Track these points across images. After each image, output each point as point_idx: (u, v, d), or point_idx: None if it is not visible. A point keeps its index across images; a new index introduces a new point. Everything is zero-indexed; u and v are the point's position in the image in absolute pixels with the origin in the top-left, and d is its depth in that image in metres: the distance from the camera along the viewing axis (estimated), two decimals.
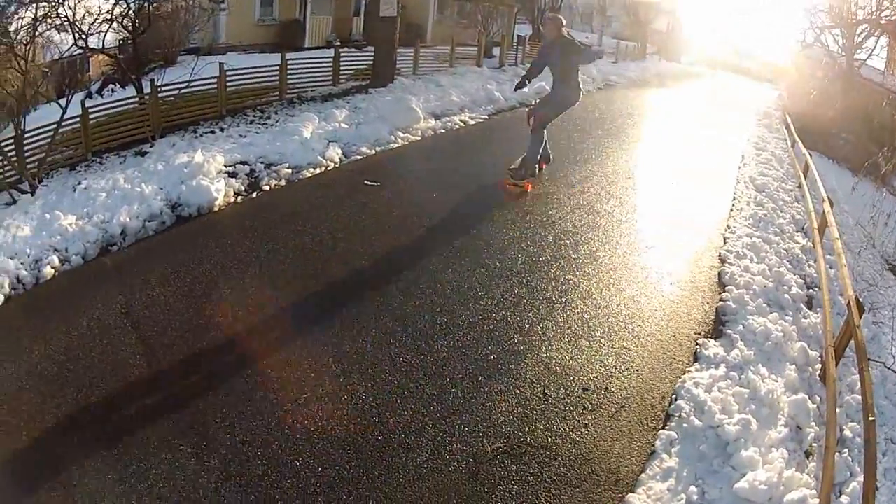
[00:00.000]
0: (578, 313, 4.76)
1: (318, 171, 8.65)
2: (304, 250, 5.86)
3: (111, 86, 15.48)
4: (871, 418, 3.35)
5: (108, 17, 12.73)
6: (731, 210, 7.72)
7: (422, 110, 11.34)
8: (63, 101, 10.03)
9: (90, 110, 10.29)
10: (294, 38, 18.05)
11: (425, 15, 22.12)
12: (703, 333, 4.70)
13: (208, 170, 7.92)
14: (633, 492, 3.40)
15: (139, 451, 3.40)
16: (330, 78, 13.87)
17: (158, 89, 10.69)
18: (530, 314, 4.69)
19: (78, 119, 9.97)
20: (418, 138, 10.47)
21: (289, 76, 12.73)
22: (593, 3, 35.70)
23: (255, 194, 7.76)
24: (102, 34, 12.83)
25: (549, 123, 7.82)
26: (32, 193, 8.88)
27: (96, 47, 12.95)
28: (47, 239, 6.57)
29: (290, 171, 8.51)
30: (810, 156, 11.19)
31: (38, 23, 10.30)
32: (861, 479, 3.40)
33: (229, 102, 11.59)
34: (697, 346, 4.49)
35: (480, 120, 12.20)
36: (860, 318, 4.39)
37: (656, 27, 35.45)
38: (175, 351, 4.35)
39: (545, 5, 26.07)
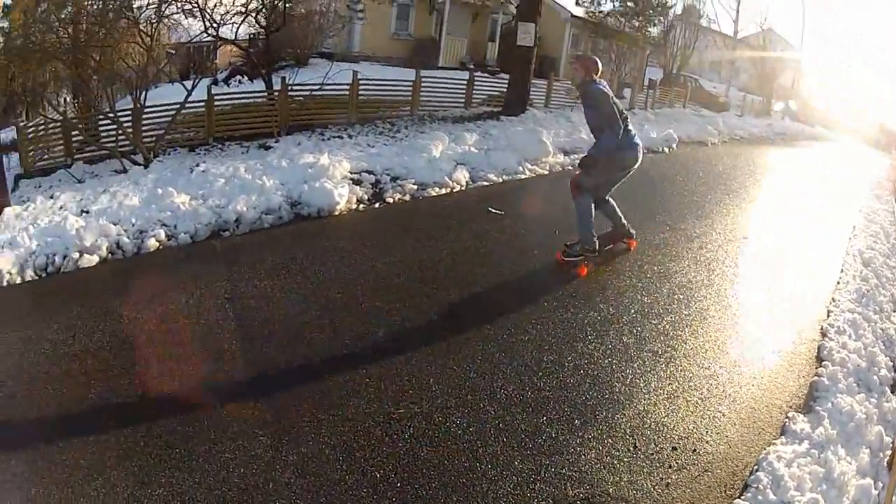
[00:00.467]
0: (681, 371, 4.67)
1: (443, 191, 8.18)
2: (420, 267, 5.66)
3: (238, 77, 15.64)
4: None
5: (243, 10, 12.80)
6: (838, 283, 7.34)
7: (551, 144, 10.71)
8: (188, 84, 10.01)
9: (216, 97, 10.26)
10: (427, 55, 17.87)
11: (559, 48, 21.79)
12: (793, 407, 4.57)
13: (333, 174, 7.56)
14: None
15: (216, 434, 3.36)
16: (462, 100, 13.52)
17: (289, 88, 10.56)
18: (635, 365, 4.59)
19: (203, 104, 9.94)
20: (545, 172, 9.94)
21: (422, 93, 12.39)
22: (722, 52, 34.45)
23: (377, 205, 7.47)
24: (236, 26, 12.85)
25: (598, 189, 5.85)
26: (146, 167, 8.82)
27: (227, 38, 12.91)
28: (156, 213, 6.48)
29: (415, 186, 8.03)
30: None
31: (165, 4, 10.26)
32: None
33: (359, 111, 11.36)
34: (787, 420, 4.36)
35: None
36: None
37: (782, 83, 33.87)
38: (273, 344, 4.26)
39: (677, 49, 25.19)
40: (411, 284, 5.31)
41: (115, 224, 6.20)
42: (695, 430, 4.00)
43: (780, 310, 6.13)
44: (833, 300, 6.77)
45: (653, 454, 3.70)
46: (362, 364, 4.07)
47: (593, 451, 3.60)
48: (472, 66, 16.67)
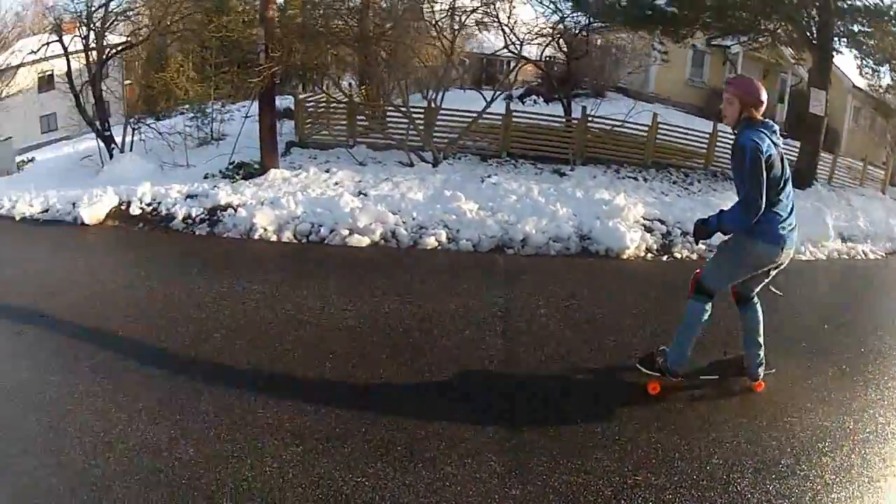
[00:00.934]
0: None
1: None
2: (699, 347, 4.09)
3: (533, 96, 15.61)
4: None
5: (549, 34, 12.76)
6: None
7: (832, 227, 8.91)
8: (484, 95, 10.10)
9: (514, 113, 10.21)
10: (718, 107, 16.47)
11: (840, 119, 19.03)
12: None
13: (626, 216, 7.03)
14: None
15: (444, 444, 3.08)
16: None
17: (589, 118, 10.24)
18: None
19: (500, 117, 9.95)
20: (823, 257, 8.22)
21: (717, 147, 11.24)
22: None
23: (665, 257, 6.76)
24: (541, 47, 12.85)
25: (732, 278, 3.84)
26: (434, 166, 8.97)
27: (529, 57, 12.85)
28: (440, 213, 6.47)
29: (703, 246, 7.03)
30: None
31: (464, 14, 10.21)
32: None
33: (655, 155, 10.65)
34: None
35: (879, 256, 9.19)
36: None
37: None
38: (531, 368, 3.92)
39: None
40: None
41: (394, 213, 6.27)
42: None
43: None
44: None
45: None
46: (608, 415, 3.45)
47: None
48: None
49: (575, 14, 13.05)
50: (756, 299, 3.87)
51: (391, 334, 4.09)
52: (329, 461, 2.86)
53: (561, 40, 13.03)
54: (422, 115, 9.86)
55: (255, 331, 4.17)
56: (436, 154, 9.24)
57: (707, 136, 11.31)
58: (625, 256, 6.39)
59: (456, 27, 10.21)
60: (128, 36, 14.91)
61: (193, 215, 7.29)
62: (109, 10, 13.46)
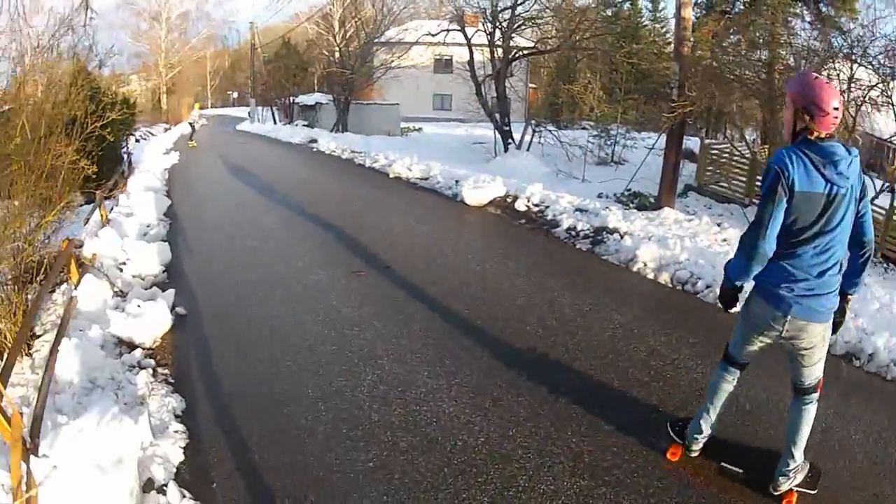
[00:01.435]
0: None
1: None
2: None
3: None
4: None
5: None
6: None
7: None
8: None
9: None
10: None
11: None
12: None
13: None
14: None
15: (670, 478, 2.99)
16: None
17: None
18: None
19: (883, 212, 8.12)
20: None
21: None
22: None
23: None
24: None
25: (741, 353, 3.00)
26: None
27: None
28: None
29: None
30: None
31: (863, 89, 8.44)
32: None
33: None
34: None
35: None
36: None
37: None
38: None
39: None
40: None
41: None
42: None
43: None
44: None
45: None
46: None
47: None
48: None
49: None
50: (808, 398, 2.88)
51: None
52: None
53: None
54: None
55: (604, 357, 4.32)
56: None
57: None
58: None
59: (859, 101, 8.86)
60: (535, 42, 16.15)
61: (578, 228, 7.60)
62: (516, 13, 14.82)
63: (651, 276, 6.15)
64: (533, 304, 5.24)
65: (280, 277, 6.23)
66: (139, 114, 18.09)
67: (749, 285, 2.80)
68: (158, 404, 3.86)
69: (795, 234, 2.57)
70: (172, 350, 4.72)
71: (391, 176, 12.35)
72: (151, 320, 4.89)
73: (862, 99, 8.23)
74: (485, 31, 15.22)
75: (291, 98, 30.14)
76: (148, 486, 3.12)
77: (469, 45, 15.85)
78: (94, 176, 7.06)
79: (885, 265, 7.26)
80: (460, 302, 5.27)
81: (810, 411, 2.89)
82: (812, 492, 2.97)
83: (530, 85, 23.69)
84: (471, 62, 15.53)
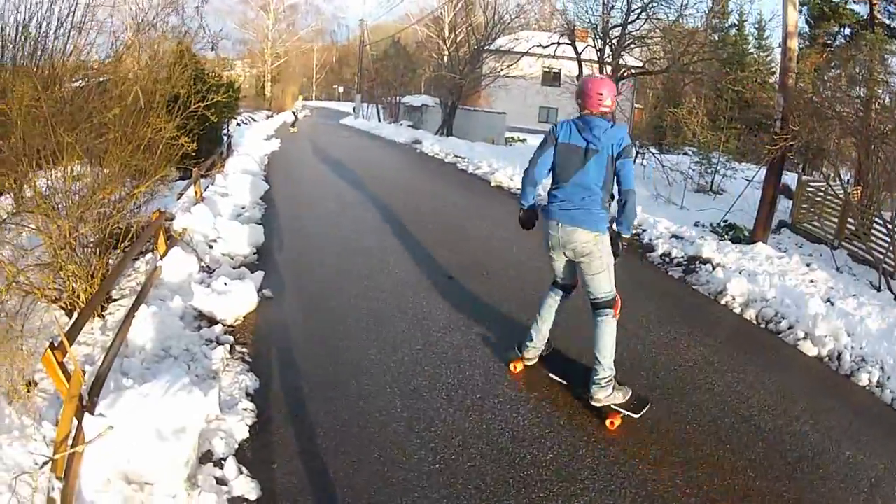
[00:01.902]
0: None
1: None
2: None
3: None
4: None
5: None
6: None
7: None
8: None
9: None
10: None
11: None
12: None
13: None
14: None
15: None
16: None
17: None
18: None
19: None
20: None
21: None
22: None
23: None
24: None
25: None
26: None
27: None
28: (885, 352, 5.37)
29: None
30: None
31: None
32: None
33: None
34: None
35: None
36: None
37: None
38: None
39: None
40: None
41: (848, 334, 5.55)
42: None
43: None
44: None
45: None
46: None
47: None
48: None
49: None
50: (600, 312, 3.93)
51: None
52: None
53: None
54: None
55: (682, 388, 4.43)
56: None
57: None
58: None
59: None
60: (644, 62, 16.38)
61: (672, 255, 7.92)
62: (627, 31, 15.01)
63: (738, 310, 6.28)
64: (620, 328, 5.27)
65: (371, 272, 6.45)
66: (242, 99, 19.18)
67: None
68: (231, 380, 3.98)
69: (556, 169, 3.90)
70: (254, 330, 4.86)
71: (492, 184, 12.90)
72: (237, 299, 5.00)
73: None
74: (594, 47, 15.57)
75: (398, 97, 31.16)
76: (206, 458, 3.20)
77: (579, 60, 16.23)
78: (194, 154, 7.13)
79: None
80: None
81: (604, 326, 3.88)
82: (635, 416, 3.81)
83: (636, 105, 23.66)
84: (579, 77, 15.91)
